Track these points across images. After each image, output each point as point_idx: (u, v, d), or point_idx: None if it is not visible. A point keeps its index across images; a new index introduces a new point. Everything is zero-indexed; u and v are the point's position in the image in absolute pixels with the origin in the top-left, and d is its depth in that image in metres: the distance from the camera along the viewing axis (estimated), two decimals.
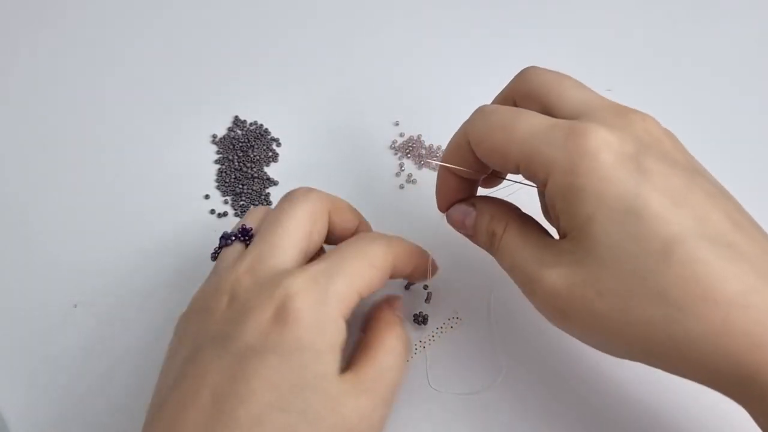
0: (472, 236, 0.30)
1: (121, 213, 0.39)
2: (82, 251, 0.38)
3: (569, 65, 0.47)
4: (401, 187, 0.41)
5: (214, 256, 0.31)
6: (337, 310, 0.26)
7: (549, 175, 0.25)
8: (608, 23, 0.49)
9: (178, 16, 0.49)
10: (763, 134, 0.43)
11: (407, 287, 0.36)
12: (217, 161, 0.42)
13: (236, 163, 0.41)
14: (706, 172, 0.26)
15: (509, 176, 0.32)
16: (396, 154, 0.42)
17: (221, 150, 0.42)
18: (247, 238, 0.30)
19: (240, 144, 0.42)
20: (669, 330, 0.22)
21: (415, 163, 0.41)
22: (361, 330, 0.30)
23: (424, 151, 0.42)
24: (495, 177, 0.33)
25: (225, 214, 0.39)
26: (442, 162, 0.30)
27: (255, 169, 0.41)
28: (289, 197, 0.30)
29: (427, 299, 0.35)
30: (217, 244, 0.31)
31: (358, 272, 0.27)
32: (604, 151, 0.24)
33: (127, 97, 0.45)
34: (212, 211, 0.39)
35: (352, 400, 0.25)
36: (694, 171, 0.25)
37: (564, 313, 0.25)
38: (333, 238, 0.32)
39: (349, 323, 0.27)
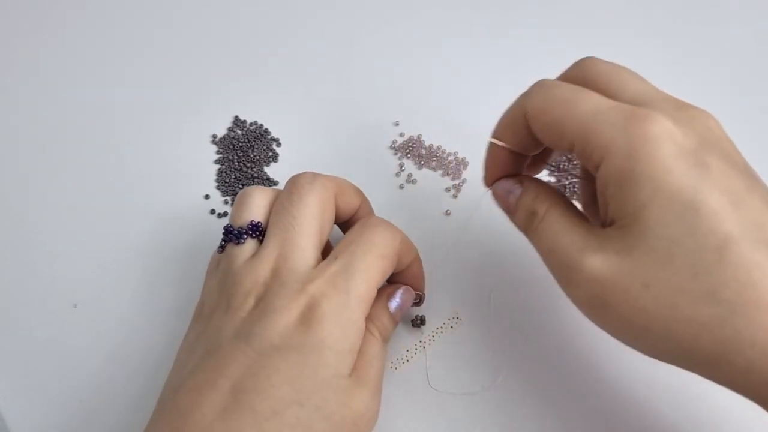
0: (513, 214, 0.29)
1: (121, 213, 0.39)
2: (82, 251, 0.38)
3: (569, 65, 0.47)
4: (401, 187, 0.41)
5: (221, 249, 0.31)
6: (360, 312, 0.27)
7: (605, 157, 0.24)
8: (608, 23, 0.49)
9: (179, 17, 0.49)
10: (764, 133, 0.43)
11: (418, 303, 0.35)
12: (217, 161, 0.42)
13: (236, 163, 0.41)
14: (761, 179, 0.25)
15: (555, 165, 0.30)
16: (396, 154, 0.42)
17: (221, 150, 0.42)
18: (258, 233, 0.30)
19: (240, 144, 0.42)
20: (719, 332, 0.21)
21: (415, 163, 0.41)
22: None
23: (424, 151, 0.42)
24: (540, 162, 0.32)
25: (225, 214, 0.39)
26: (494, 137, 0.29)
27: (255, 169, 0.41)
28: (296, 186, 0.30)
29: (419, 302, 0.34)
30: (218, 241, 0.31)
31: (372, 266, 0.28)
32: (667, 140, 0.23)
33: (127, 97, 0.45)
34: (212, 211, 0.39)
35: (357, 392, 0.27)
36: (753, 176, 0.24)
37: (604, 303, 0.24)
38: (337, 219, 0.32)
39: None
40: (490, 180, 0.31)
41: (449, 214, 0.39)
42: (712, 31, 0.49)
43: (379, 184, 0.40)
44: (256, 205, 0.30)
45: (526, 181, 0.29)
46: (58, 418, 0.33)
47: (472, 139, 0.42)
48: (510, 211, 0.30)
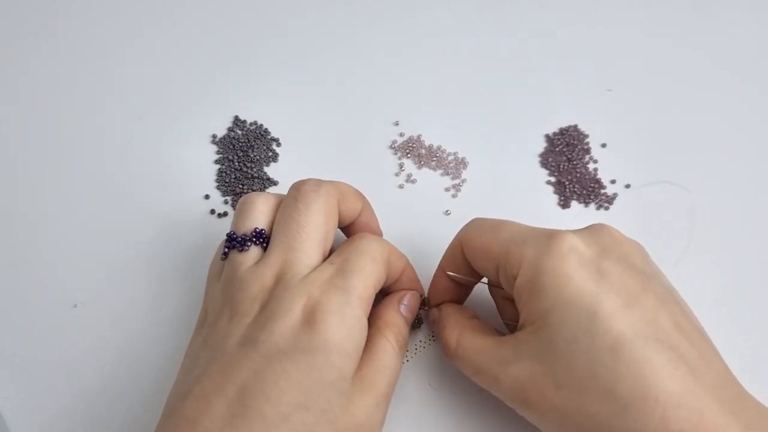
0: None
1: (121, 213, 0.39)
2: (82, 251, 0.38)
3: (569, 65, 0.47)
4: (401, 187, 0.41)
5: (224, 256, 0.31)
6: (361, 309, 0.27)
7: (520, 271, 0.27)
8: (608, 23, 0.49)
9: (178, 17, 0.49)
10: (764, 133, 0.43)
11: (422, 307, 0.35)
12: (217, 161, 0.42)
13: (236, 163, 0.41)
14: (661, 275, 0.28)
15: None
16: (396, 154, 0.42)
17: (221, 150, 0.42)
18: (262, 240, 0.30)
19: (240, 144, 0.42)
20: (614, 426, 0.24)
21: (415, 163, 0.41)
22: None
23: (423, 151, 0.42)
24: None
25: (225, 214, 0.39)
26: (440, 266, 0.33)
27: (255, 169, 0.41)
28: (301, 194, 0.30)
29: (424, 303, 0.34)
30: (218, 241, 0.31)
31: (366, 268, 0.28)
32: (571, 252, 0.26)
33: (127, 97, 0.45)
34: (212, 211, 0.39)
35: (360, 398, 0.27)
36: (648, 275, 0.27)
37: (527, 402, 0.26)
38: (340, 223, 0.32)
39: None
40: (433, 303, 0.34)
41: (449, 213, 0.39)
42: (712, 30, 0.48)
43: (379, 184, 0.40)
44: (259, 211, 0.31)
45: (442, 309, 0.32)
46: (58, 418, 0.33)
47: (472, 139, 0.43)
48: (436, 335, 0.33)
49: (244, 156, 0.42)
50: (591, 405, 0.24)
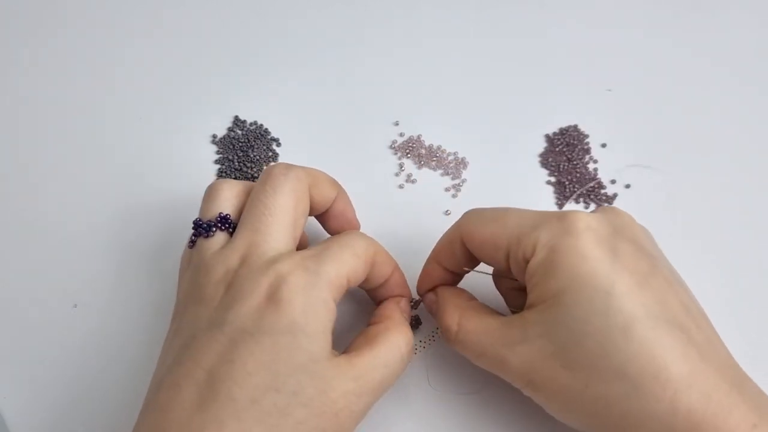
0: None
1: (121, 213, 0.39)
2: (82, 251, 0.38)
3: (570, 65, 0.47)
4: (401, 187, 0.41)
5: (192, 244, 0.30)
6: (328, 292, 0.27)
7: (534, 253, 0.26)
8: (608, 23, 0.49)
9: (178, 16, 0.49)
10: (765, 132, 0.43)
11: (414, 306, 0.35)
12: (217, 161, 0.42)
13: (236, 163, 0.41)
14: (666, 260, 0.28)
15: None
16: (396, 154, 0.42)
17: (221, 150, 0.42)
18: (227, 226, 0.30)
19: (240, 144, 0.42)
20: (625, 406, 0.24)
21: (415, 163, 0.41)
22: (369, 323, 0.31)
23: (423, 151, 0.42)
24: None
25: None
26: (432, 258, 0.32)
27: (255, 169, 0.41)
28: (269, 177, 0.30)
29: (415, 305, 0.35)
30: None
31: (345, 259, 0.28)
32: (586, 230, 0.26)
33: (127, 97, 0.45)
34: None
35: (341, 384, 0.26)
36: (656, 257, 0.27)
37: (534, 384, 0.26)
38: (312, 210, 0.32)
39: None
40: (422, 290, 0.33)
41: (449, 213, 0.39)
42: (712, 30, 0.48)
43: (379, 184, 0.40)
44: (224, 198, 0.31)
45: (438, 293, 0.32)
46: (58, 418, 0.33)
47: (472, 139, 0.43)
48: (435, 319, 0.32)
49: (244, 156, 0.42)
50: (600, 385, 0.24)
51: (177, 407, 0.25)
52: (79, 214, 0.39)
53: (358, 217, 0.34)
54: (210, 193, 0.31)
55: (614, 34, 0.48)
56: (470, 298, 0.32)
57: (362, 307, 0.35)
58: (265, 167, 0.41)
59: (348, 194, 0.34)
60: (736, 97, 0.45)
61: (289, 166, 0.30)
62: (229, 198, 0.31)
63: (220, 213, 0.30)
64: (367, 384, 0.27)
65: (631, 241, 0.27)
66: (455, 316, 0.30)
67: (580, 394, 0.25)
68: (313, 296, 0.26)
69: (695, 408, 0.23)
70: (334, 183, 0.33)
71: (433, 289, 0.33)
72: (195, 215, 0.40)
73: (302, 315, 0.26)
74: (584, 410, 0.25)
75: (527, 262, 0.27)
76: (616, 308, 0.24)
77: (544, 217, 0.27)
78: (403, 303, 0.32)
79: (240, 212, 0.30)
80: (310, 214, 0.32)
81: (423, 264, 0.33)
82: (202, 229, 0.30)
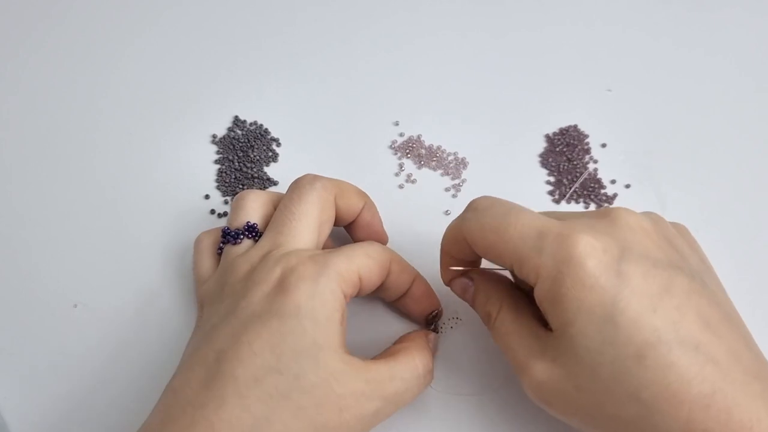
0: (473, 306, 0.31)
1: (121, 213, 0.39)
2: (82, 251, 0.38)
3: (569, 65, 0.47)
4: (401, 187, 0.41)
5: (219, 251, 0.32)
6: (336, 283, 0.27)
7: (537, 280, 0.26)
8: (608, 22, 0.49)
9: (178, 16, 0.49)
10: (765, 132, 0.43)
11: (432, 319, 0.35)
12: (217, 161, 0.42)
13: (236, 163, 0.41)
14: (688, 257, 0.27)
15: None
16: (396, 154, 0.42)
17: (221, 150, 0.42)
18: (254, 234, 0.31)
19: (240, 144, 0.42)
20: (639, 426, 0.24)
21: (415, 163, 0.41)
22: (394, 343, 0.31)
23: (423, 151, 0.42)
24: None
25: (225, 214, 0.39)
26: (443, 250, 0.31)
27: (255, 169, 0.41)
28: (296, 187, 0.31)
29: (438, 316, 0.34)
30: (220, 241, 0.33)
31: (356, 255, 0.29)
32: (589, 257, 0.25)
33: (127, 98, 0.45)
34: (212, 211, 0.39)
35: (350, 381, 0.26)
36: (673, 266, 0.26)
37: (548, 401, 0.27)
38: (339, 221, 0.33)
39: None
40: (446, 279, 0.32)
41: (449, 213, 0.39)
42: (713, 30, 0.48)
43: (378, 184, 0.40)
44: (251, 207, 0.32)
45: (477, 279, 0.31)
46: (58, 418, 0.33)
47: (472, 139, 0.43)
48: (471, 304, 0.31)
49: (244, 156, 0.41)
50: (613, 407, 0.24)
51: (186, 387, 0.26)
52: (79, 214, 0.39)
53: None
54: (237, 202, 0.33)
55: (614, 34, 0.48)
56: (511, 285, 0.31)
57: (379, 319, 0.35)
58: (265, 168, 0.42)
59: (376, 206, 0.34)
60: (737, 97, 0.45)
61: (316, 177, 0.32)
62: (255, 208, 0.32)
63: (248, 222, 0.32)
64: (378, 390, 0.27)
65: (641, 259, 0.25)
66: (497, 306, 0.29)
67: (594, 414, 0.25)
68: (321, 284, 0.27)
69: (712, 428, 0.23)
70: (361, 194, 0.33)
71: (461, 275, 0.32)
72: (195, 215, 0.40)
73: (308, 300, 0.26)
74: (597, 426, 0.25)
75: (532, 287, 0.26)
76: (626, 338, 0.24)
77: (543, 235, 0.26)
78: (432, 336, 0.33)
79: (266, 221, 0.32)
80: (337, 224, 0.33)
81: (423, 264, 0.33)
82: (230, 237, 0.32)
